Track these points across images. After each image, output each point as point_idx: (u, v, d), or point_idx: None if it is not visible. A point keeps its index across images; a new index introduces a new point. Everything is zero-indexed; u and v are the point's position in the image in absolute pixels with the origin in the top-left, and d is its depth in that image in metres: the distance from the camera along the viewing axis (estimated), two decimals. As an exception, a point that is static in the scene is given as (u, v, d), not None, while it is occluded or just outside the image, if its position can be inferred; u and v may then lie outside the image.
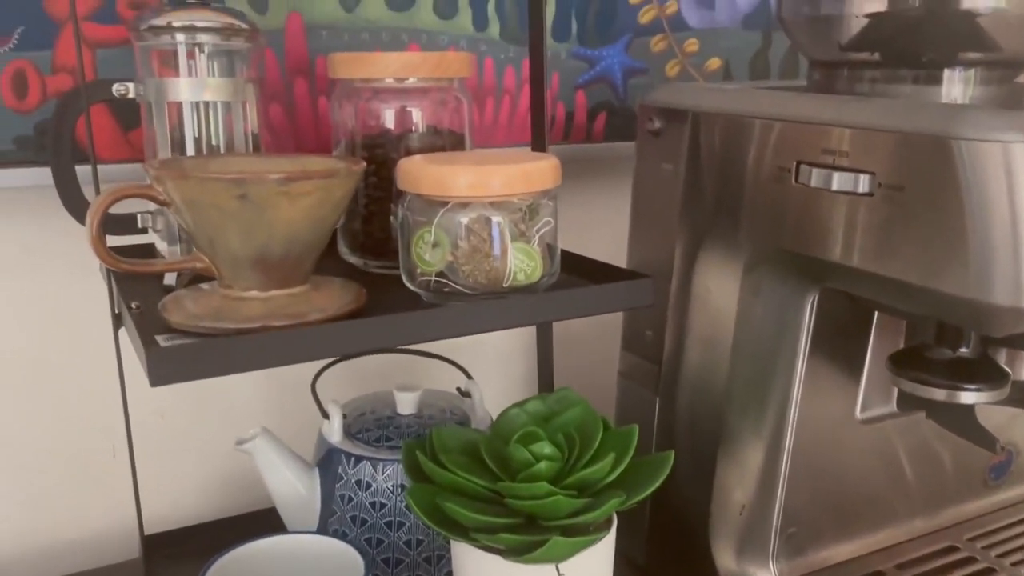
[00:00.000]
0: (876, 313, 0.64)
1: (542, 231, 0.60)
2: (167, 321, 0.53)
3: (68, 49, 0.70)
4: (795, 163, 0.57)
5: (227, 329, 0.51)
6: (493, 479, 0.62)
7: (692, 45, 0.96)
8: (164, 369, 0.45)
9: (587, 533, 0.60)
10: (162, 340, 0.52)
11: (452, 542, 0.62)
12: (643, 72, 0.94)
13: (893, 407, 0.68)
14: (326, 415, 0.72)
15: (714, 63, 0.98)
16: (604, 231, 0.87)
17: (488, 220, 0.58)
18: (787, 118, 0.57)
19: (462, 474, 0.61)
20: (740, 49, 0.99)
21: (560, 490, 0.58)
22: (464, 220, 0.57)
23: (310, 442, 0.74)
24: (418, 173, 0.58)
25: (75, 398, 0.80)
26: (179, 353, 0.46)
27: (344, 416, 0.72)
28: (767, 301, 0.61)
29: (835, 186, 0.53)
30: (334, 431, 0.71)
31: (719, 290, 0.65)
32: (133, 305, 0.58)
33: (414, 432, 0.72)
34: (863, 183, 0.52)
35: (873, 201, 0.52)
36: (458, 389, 0.78)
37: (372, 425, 0.73)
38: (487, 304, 0.54)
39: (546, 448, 0.62)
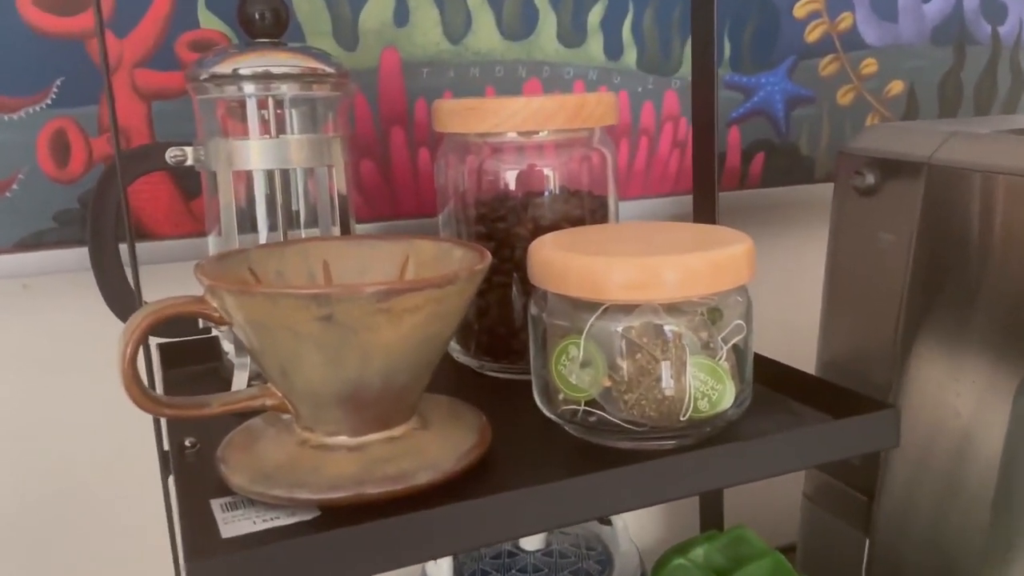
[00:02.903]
0: None
1: (733, 341, 0.43)
2: (226, 479, 0.39)
3: (120, 101, 0.57)
4: (1118, 246, 0.39)
5: (305, 500, 0.37)
6: None
7: (869, 66, 0.78)
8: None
9: None
10: (219, 510, 0.38)
11: None
12: (810, 101, 0.77)
13: None
14: (432, 553, 0.56)
15: (895, 87, 0.80)
16: (763, 304, 0.70)
17: (660, 330, 0.41)
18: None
19: (621, 670, 0.45)
20: (927, 69, 0.80)
21: None
22: (627, 331, 0.41)
23: (411, 580, 0.59)
24: (561, 266, 0.42)
25: (129, 515, 0.67)
26: (228, 571, 0.31)
27: (454, 555, 0.57)
28: (1058, 437, 0.43)
29: None
30: (442, 574, 0.56)
31: (976, 416, 0.47)
32: (187, 442, 0.44)
33: (543, 578, 0.56)
34: None
35: None
36: (595, 513, 0.62)
37: (489, 566, 0.57)
38: (675, 465, 0.38)
39: (735, 633, 0.46)
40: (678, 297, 0.41)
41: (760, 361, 0.49)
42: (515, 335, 0.52)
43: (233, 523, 0.37)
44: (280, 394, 0.40)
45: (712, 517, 0.59)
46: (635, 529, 0.61)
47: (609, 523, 0.61)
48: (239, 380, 0.50)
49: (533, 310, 0.45)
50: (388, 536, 0.34)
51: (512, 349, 0.52)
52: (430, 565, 0.57)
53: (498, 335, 0.53)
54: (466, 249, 0.42)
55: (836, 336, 0.56)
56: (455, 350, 0.55)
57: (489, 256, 0.41)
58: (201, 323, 0.52)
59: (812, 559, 0.61)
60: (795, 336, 0.66)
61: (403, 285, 0.35)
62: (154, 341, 0.56)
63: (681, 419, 0.42)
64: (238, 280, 0.40)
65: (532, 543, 0.58)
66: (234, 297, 0.36)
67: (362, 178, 0.63)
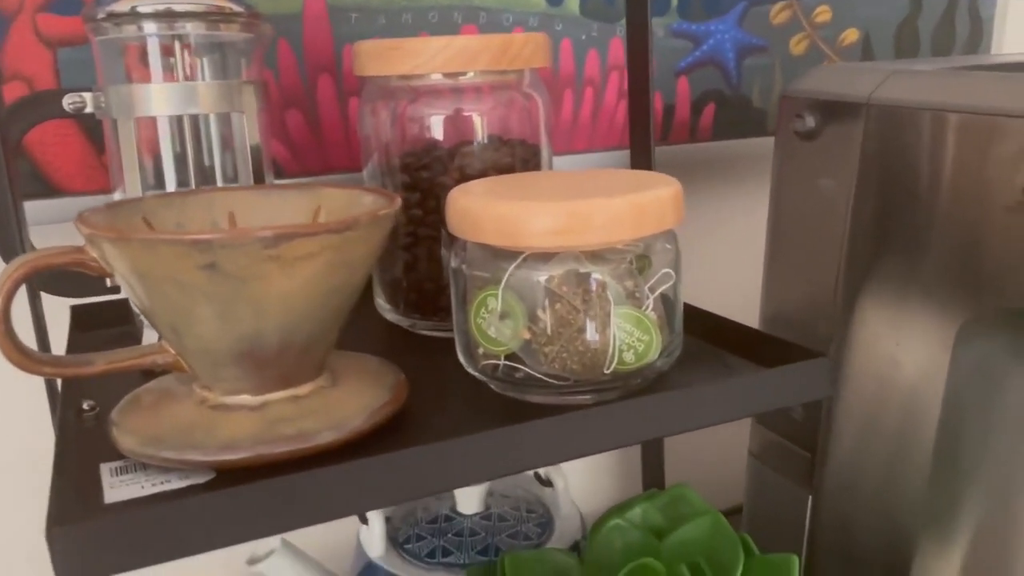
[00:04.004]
0: None
1: (660, 289, 0.41)
2: (116, 442, 0.36)
3: (23, 48, 0.53)
4: (1057, 183, 0.37)
5: (197, 462, 0.34)
6: (593, 642, 0.44)
7: (823, 14, 0.76)
8: (76, 564, 0.28)
9: None
10: (108, 475, 0.35)
11: None
12: (762, 50, 0.74)
13: None
14: (364, 519, 0.55)
15: (850, 35, 0.77)
16: (715, 263, 0.68)
17: (581, 278, 0.39)
18: (1042, 114, 0.37)
19: (548, 634, 0.43)
20: (882, 18, 0.78)
21: (694, 670, 0.40)
22: (545, 279, 0.39)
23: (347, 549, 0.57)
24: (478, 212, 0.40)
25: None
26: (100, 539, 0.29)
27: (388, 520, 0.55)
28: (999, 384, 0.41)
29: None
30: (375, 541, 0.54)
31: (914, 362, 0.45)
32: (85, 405, 0.41)
33: (480, 543, 0.54)
34: None
35: None
36: (536, 476, 0.60)
37: (425, 531, 0.55)
38: (590, 419, 0.36)
39: (667, 593, 0.44)
40: (600, 243, 0.39)
41: (693, 313, 0.47)
42: (444, 291, 0.50)
43: (120, 488, 0.34)
44: (173, 352, 0.37)
45: (655, 478, 0.58)
46: (578, 492, 0.59)
47: (550, 485, 0.59)
48: (148, 341, 0.48)
49: (453, 262, 0.43)
50: (281, 496, 0.31)
51: (441, 306, 0.50)
52: (363, 530, 0.55)
53: (426, 292, 0.50)
54: (377, 195, 0.40)
55: (778, 289, 0.54)
56: (384, 309, 0.53)
57: (399, 200, 0.38)
58: (109, 280, 0.49)
59: (757, 518, 0.59)
60: (749, 294, 0.64)
61: (292, 230, 0.33)
62: (67, 303, 0.53)
63: (605, 372, 0.40)
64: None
65: (469, 506, 0.57)
66: (112, 245, 0.33)
67: (289, 131, 0.60)
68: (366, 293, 0.55)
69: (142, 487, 0.34)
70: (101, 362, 0.36)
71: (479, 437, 0.34)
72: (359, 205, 0.40)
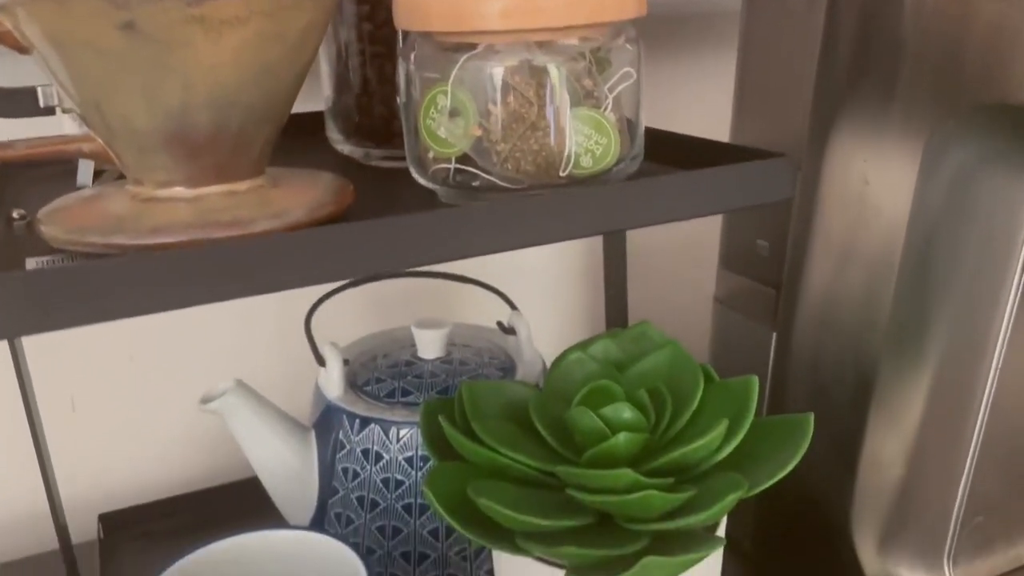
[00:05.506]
0: None
1: (618, 89, 0.39)
2: (40, 234, 0.34)
3: None
4: (1036, -41, 0.35)
5: (123, 245, 0.33)
6: (549, 458, 0.43)
7: None
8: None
9: (689, 541, 0.41)
10: (32, 265, 0.34)
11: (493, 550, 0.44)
12: None
13: None
14: (322, 361, 0.53)
15: None
16: (695, 113, 0.65)
17: (536, 71, 0.37)
18: None
19: (504, 451, 0.42)
20: None
21: (649, 478, 0.39)
22: (498, 71, 0.37)
23: (308, 397, 0.56)
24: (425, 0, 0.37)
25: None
26: (15, 292, 0.27)
27: (346, 362, 0.54)
28: (965, 192, 0.40)
29: None
30: (332, 383, 0.53)
31: (882, 179, 0.44)
32: (15, 214, 0.39)
33: (440, 384, 0.53)
34: None
35: None
36: (499, 324, 0.59)
37: (385, 374, 0.54)
38: (538, 203, 0.34)
39: (625, 412, 0.43)
40: (554, 26, 0.36)
41: (656, 135, 0.45)
42: (397, 116, 0.48)
43: (44, 275, 0.33)
44: (100, 140, 0.35)
45: (617, 321, 0.57)
46: (541, 342, 0.58)
47: (513, 332, 0.58)
48: (84, 172, 0.45)
49: (402, 68, 0.40)
50: (195, 265, 0.30)
51: (395, 131, 0.48)
52: (321, 374, 0.54)
53: (379, 116, 0.48)
54: (318, -15, 0.37)
55: (748, 120, 0.53)
56: (337, 140, 0.51)
57: (339, -18, 0.36)
58: (42, 101, 0.46)
59: (722, 363, 0.59)
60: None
61: (219, -13, 0.30)
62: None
63: (561, 174, 0.38)
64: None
65: (430, 351, 0.55)
66: (23, 8, 0.31)
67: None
68: (318, 129, 0.53)
69: (67, 273, 0.33)
70: (22, 146, 0.34)
71: (428, 216, 0.32)
72: None
